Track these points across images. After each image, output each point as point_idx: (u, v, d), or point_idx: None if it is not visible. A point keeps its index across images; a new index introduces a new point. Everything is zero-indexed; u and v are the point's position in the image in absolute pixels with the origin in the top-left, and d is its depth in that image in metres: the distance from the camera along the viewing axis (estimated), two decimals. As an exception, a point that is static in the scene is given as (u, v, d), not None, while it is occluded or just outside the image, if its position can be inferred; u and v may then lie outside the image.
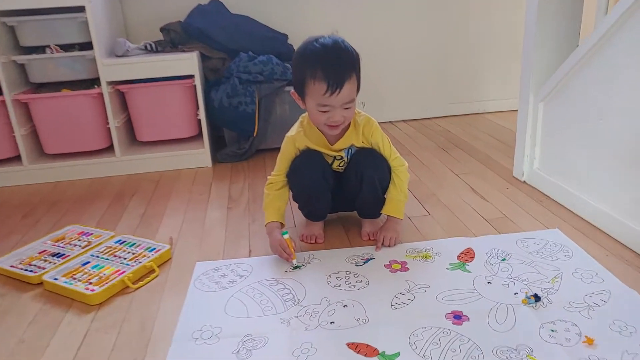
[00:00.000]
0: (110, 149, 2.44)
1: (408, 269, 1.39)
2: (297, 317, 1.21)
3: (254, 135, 2.48)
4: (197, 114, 2.44)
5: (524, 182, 1.98)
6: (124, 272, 1.45)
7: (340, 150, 1.54)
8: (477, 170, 2.16)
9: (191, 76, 2.38)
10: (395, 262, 1.43)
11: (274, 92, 2.48)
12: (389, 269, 1.40)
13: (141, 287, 1.42)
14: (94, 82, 2.37)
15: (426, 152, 2.44)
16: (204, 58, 2.56)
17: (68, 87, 2.36)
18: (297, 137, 1.54)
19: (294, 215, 1.81)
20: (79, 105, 2.34)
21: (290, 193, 1.60)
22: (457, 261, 1.41)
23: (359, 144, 1.53)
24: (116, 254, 1.56)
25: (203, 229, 1.77)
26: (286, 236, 1.46)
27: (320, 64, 1.35)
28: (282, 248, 1.45)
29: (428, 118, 3.15)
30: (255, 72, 2.43)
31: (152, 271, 1.48)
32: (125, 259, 1.53)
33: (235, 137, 2.56)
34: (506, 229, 1.60)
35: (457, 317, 1.16)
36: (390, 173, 1.55)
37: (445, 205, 1.82)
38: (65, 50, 2.30)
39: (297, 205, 1.66)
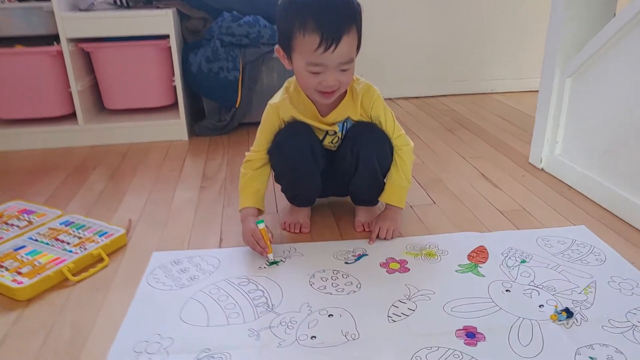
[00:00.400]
0: (72, 116, 2.16)
1: (408, 269, 1.14)
2: (270, 328, 0.96)
3: (236, 106, 2.20)
4: (173, 80, 2.16)
5: (542, 169, 1.73)
6: (64, 260, 1.19)
7: (334, 123, 1.28)
8: (487, 154, 1.91)
9: (166, 36, 2.09)
10: (393, 260, 1.18)
11: (260, 58, 2.20)
12: (385, 269, 1.15)
13: (84, 280, 1.16)
14: (57, 40, 2.07)
15: (430, 132, 2.18)
16: (182, 17, 2.27)
17: (24, 45, 2.07)
18: (281, 105, 1.28)
19: (277, 199, 1.55)
20: (36, 65, 2.05)
21: (272, 173, 1.34)
22: (468, 262, 1.17)
23: (357, 117, 1.27)
24: (59, 237, 1.30)
25: (169, 211, 1.51)
26: (261, 226, 1.20)
27: (312, 12, 1.08)
28: (255, 240, 1.19)
29: (431, 96, 2.89)
30: (240, 35, 2.14)
31: (101, 260, 1.23)
32: (68, 244, 1.27)
33: (216, 108, 2.29)
34: (524, 224, 1.36)
35: (470, 335, 0.92)
36: (392, 153, 1.30)
37: (452, 193, 1.57)
38: (20, 1, 2.00)
39: (279, 187, 1.40)
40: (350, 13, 1.11)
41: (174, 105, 2.24)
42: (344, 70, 1.13)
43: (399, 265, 1.16)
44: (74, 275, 1.16)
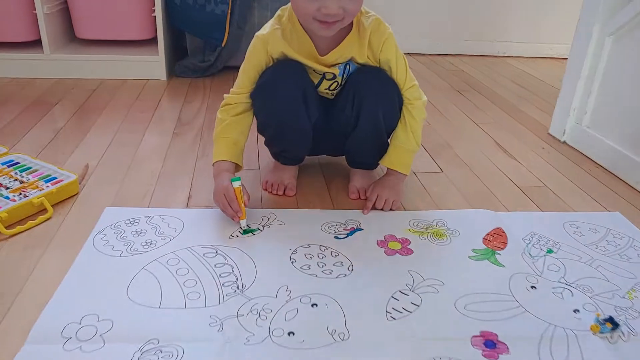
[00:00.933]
0: (38, 43, 1.89)
1: (412, 251, 0.95)
2: (237, 317, 0.76)
3: (223, 45, 1.95)
4: (153, 11, 1.89)
5: (564, 142, 1.52)
6: (-5, 209, 0.97)
7: (334, 65, 1.05)
8: (502, 120, 1.70)
9: (148, -43, 1.81)
10: (394, 238, 0.98)
11: (254, -8, 1.93)
12: (383, 248, 0.95)
13: (18, 234, 0.95)
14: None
15: (437, 92, 1.95)
16: (168, -63, 1.97)
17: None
18: (270, 38, 1.04)
19: (259, 153, 1.34)
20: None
21: (255, 121, 1.11)
22: (484, 246, 0.97)
23: (362, 59, 1.04)
24: (-5, 181, 1.08)
25: (134, 157, 1.28)
26: (236, 184, 0.99)
27: None
28: (228, 200, 0.98)
29: (438, 54, 2.64)
30: (233, -37, 1.87)
31: (43, 211, 1.01)
32: (7, 188, 1.05)
33: (200, 47, 2.03)
34: (547, 204, 1.16)
35: (490, 344, 0.73)
36: (401, 108, 1.07)
37: (462, 162, 1.36)
38: None
39: (262, 139, 1.18)
40: None
41: (153, 40, 1.98)
42: None
43: (400, 245, 0.96)
44: (7, 227, 0.95)
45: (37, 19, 1.84)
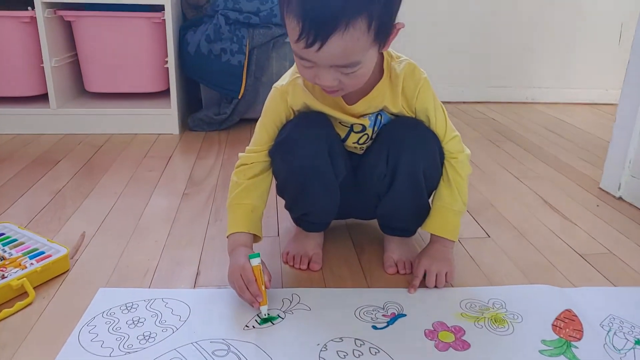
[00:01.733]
0: (44, 97, 1.80)
1: (468, 345, 0.77)
2: None
3: (239, 97, 1.84)
4: (166, 62, 1.80)
5: (620, 198, 1.35)
6: (-33, 295, 0.82)
7: (363, 115, 0.90)
8: (545, 174, 1.53)
9: (161, 8, 1.73)
10: (445, 327, 0.81)
11: (271, 42, 1.83)
12: (433, 342, 0.77)
13: (-8, 325, 0.80)
14: (32, 5, 1.71)
15: (470, 143, 1.75)
16: (182, -12, 1.91)
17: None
18: (290, 89, 0.90)
19: (279, 218, 1.18)
20: (4, 33, 1.70)
21: (274, 183, 0.97)
22: (555, 336, 0.79)
23: (396, 109, 0.90)
24: (-26, 256, 0.93)
25: (137, 225, 1.14)
26: (255, 262, 0.83)
27: None
28: (246, 282, 0.82)
29: (463, 102, 2.51)
30: (248, 12, 1.78)
31: (24, 294, 0.86)
32: (-16, 267, 0.90)
33: (215, 99, 1.92)
34: (620, 278, 0.98)
35: None
36: (442, 163, 0.92)
37: (510, 224, 1.19)
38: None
39: (282, 202, 1.02)
40: None
41: (166, 92, 1.88)
42: (346, 74, 0.76)
43: (453, 337, 0.78)
44: (-21, 315, 0.80)
45: (44, 73, 1.75)
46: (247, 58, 1.80)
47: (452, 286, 0.92)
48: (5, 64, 1.74)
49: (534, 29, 2.46)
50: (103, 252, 1.02)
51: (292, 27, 0.72)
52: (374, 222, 1.09)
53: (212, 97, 1.92)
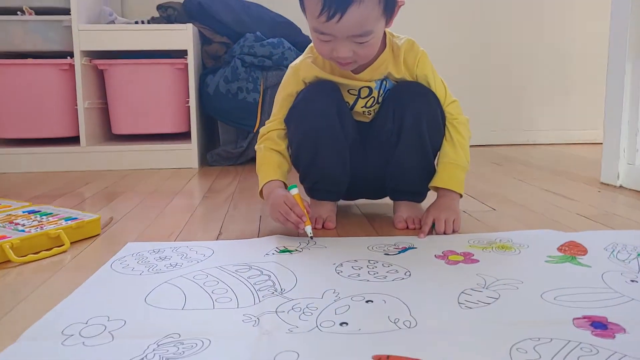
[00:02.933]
0: (75, 139, 1.94)
1: (477, 260, 0.81)
2: (277, 312, 0.62)
3: (254, 131, 1.96)
4: (187, 101, 1.95)
5: (621, 186, 1.40)
6: (6, 237, 0.88)
7: (369, 81, 1.01)
8: (547, 176, 1.60)
9: (184, 55, 1.92)
10: (454, 252, 0.85)
11: (284, 79, 1.99)
12: (443, 260, 0.81)
13: (30, 262, 0.85)
14: (70, 56, 1.90)
15: (472, 165, 1.87)
16: (204, 40, 2.11)
17: (34, 59, 1.91)
18: (302, 65, 1.02)
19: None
20: (44, 80, 1.89)
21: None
22: (560, 253, 0.83)
23: (399, 75, 1.00)
24: (15, 221, 1.01)
25: (162, 212, 1.21)
26: (295, 191, 0.92)
27: None
28: (290, 206, 0.90)
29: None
30: (262, 55, 1.96)
31: (60, 245, 0.92)
32: (23, 225, 0.97)
33: (233, 136, 2.05)
34: (623, 226, 1.02)
35: (599, 325, 0.57)
36: (444, 124, 1.01)
37: (516, 203, 1.24)
38: (38, 14, 1.86)
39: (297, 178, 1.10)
40: None
41: (187, 133, 2.01)
42: (360, 43, 0.88)
43: (462, 257, 0.82)
44: (20, 256, 0.86)
45: (77, 116, 1.90)
46: (261, 96, 1.95)
47: (459, 233, 0.97)
48: (42, 107, 1.90)
49: (531, 74, 2.60)
50: (130, 224, 1.09)
51: (314, 4, 0.85)
52: (383, 201, 1.15)
53: (229, 134, 2.05)
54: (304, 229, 0.90)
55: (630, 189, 1.37)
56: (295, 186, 0.93)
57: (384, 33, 1.00)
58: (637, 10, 1.33)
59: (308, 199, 1.09)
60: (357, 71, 1.00)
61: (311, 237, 0.90)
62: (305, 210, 0.90)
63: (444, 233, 0.95)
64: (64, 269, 0.82)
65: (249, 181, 1.60)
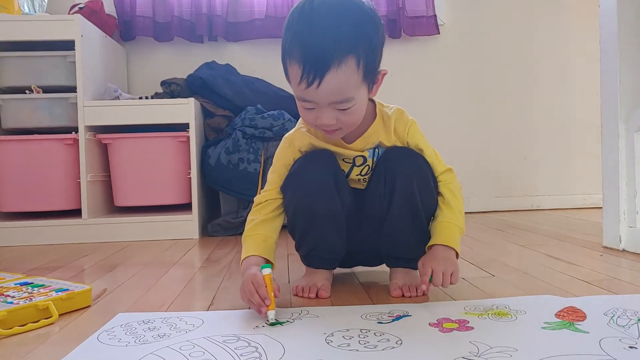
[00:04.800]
0: (77, 212, 1.96)
1: (472, 327, 0.79)
2: (259, 384, 0.60)
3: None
4: (189, 173, 1.99)
5: (624, 250, 1.38)
6: (-5, 313, 0.88)
7: (362, 150, 1.03)
8: (550, 242, 1.58)
9: (186, 127, 1.97)
10: (449, 320, 0.83)
11: (284, 149, 2.03)
12: (437, 328, 0.79)
13: (17, 334, 0.84)
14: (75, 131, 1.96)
15: (475, 232, 1.87)
16: (206, 114, 2.18)
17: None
18: (296, 135, 1.05)
19: (289, 267, 1.24)
20: (48, 154, 1.94)
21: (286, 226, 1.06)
22: (558, 319, 0.80)
23: (390, 144, 1.03)
24: (5, 293, 1.00)
25: (156, 283, 1.20)
26: (266, 271, 0.89)
27: (302, 31, 0.87)
28: (256, 287, 0.87)
29: (468, 212, 2.60)
30: (263, 127, 2.01)
31: (48, 316, 0.91)
32: (13, 297, 0.96)
33: (234, 207, 2.07)
34: (625, 290, 0.99)
35: (595, 395, 0.54)
36: (437, 189, 1.02)
37: (515, 269, 1.22)
38: (45, 92, 1.94)
39: (291, 251, 1.10)
40: (347, 38, 0.86)
41: (188, 204, 2.03)
42: (342, 110, 0.90)
43: (457, 325, 0.80)
44: (5, 329, 0.84)
45: (78, 189, 1.93)
46: (262, 166, 1.99)
47: (454, 299, 0.95)
48: (46, 181, 1.94)
49: (534, 137, 2.62)
50: (122, 296, 1.08)
51: (295, 72, 0.89)
52: (383, 268, 1.13)
53: (230, 205, 2.07)
54: (265, 313, 0.85)
55: (632, 252, 1.35)
56: (269, 266, 0.90)
57: (374, 103, 1.04)
58: (626, 72, 1.36)
59: (303, 267, 1.09)
60: (349, 141, 1.02)
61: (272, 324, 0.83)
62: (272, 294, 0.86)
63: (442, 286, 0.92)
64: (49, 341, 0.81)
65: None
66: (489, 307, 0.88)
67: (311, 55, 0.86)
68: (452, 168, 1.04)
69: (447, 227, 0.98)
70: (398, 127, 1.02)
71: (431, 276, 0.92)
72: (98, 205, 2.03)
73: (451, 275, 0.92)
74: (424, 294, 0.97)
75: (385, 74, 0.96)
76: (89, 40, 1.98)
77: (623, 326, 0.77)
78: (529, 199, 2.67)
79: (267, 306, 0.85)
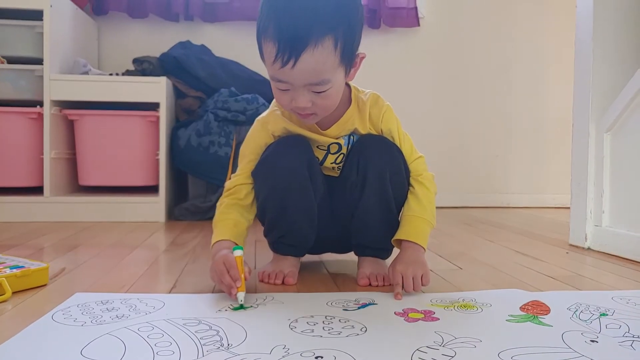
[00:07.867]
0: (40, 189, 1.89)
1: (438, 318, 0.78)
2: (218, 368, 0.58)
3: (224, 185, 1.94)
4: (157, 154, 1.94)
5: (589, 248, 1.40)
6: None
7: (337, 137, 1.01)
8: (518, 238, 1.60)
9: (156, 107, 1.92)
10: (415, 310, 0.82)
11: (256, 135, 2.00)
12: (403, 317, 0.78)
13: (-36, 316, 0.80)
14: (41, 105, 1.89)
15: (444, 225, 1.87)
16: (178, 94, 2.13)
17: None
18: (270, 118, 1.02)
19: (256, 255, 1.22)
20: (11, 127, 1.86)
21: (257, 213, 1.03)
22: (522, 313, 0.80)
23: (365, 131, 1.01)
24: (-46, 271, 0.95)
25: (118, 265, 1.16)
26: (238, 253, 0.87)
27: (276, 14, 0.84)
28: (227, 267, 0.85)
29: (440, 207, 2.61)
30: (236, 110, 1.98)
31: (1, 293, 0.87)
32: (-37, 276, 0.91)
33: (202, 191, 2.03)
34: (588, 287, 1.00)
35: (557, 387, 0.54)
36: (408, 178, 1.00)
37: (484, 263, 1.23)
38: (10, 62, 1.86)
39: (259, 239, 1.07)
40: (324, 16, 0.83)
41: (155, 186, 1.98)
42: (318, 92, 0.87)
43: (422, 315, 0.79)
44: (-48, 308, 0.80)
45: (41, 166, 1.86)
46: (233, 150, 1.95)
47: (423, 292, 0.94)
48: (7, 156, 1.86)
49: (505, 137, 2.64)
50: (81, 275, 1.04)
51: (269, 50, 0.86)
52: (351, 257, 1.12)
53: (198, 189, 2.03)
54: (235, 294, 0.82)
55: (597, 251, 1.37)
56: (241, 248, 0.88)
57: (350, 88, 1.02)
58: (599, 73, 1.38)
59: (271, 254, 1.07)
60: (324, 127, 1.00)
61: (235, 308, 0.81)
62: (242, 275, 0.84)
63: (414, 290, 0.91)
64: (1, 318, 0.77)
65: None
66: (455, 300, 0.88)
67: (287, 33, 0.83)
68: (424, 156, 1.03)
69: (415, 222, 0.97)
70: (373, 113, 1.00)
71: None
72: (61, 183, 1.96)
73: (422, 277, 0.91)
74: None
75: (363, 57, 0.94)
76: (59, 11, 1.90)
77: (585, 320, 0.77)
78: (499, 196, 2.69)
79: (238, 287, 0.83)
